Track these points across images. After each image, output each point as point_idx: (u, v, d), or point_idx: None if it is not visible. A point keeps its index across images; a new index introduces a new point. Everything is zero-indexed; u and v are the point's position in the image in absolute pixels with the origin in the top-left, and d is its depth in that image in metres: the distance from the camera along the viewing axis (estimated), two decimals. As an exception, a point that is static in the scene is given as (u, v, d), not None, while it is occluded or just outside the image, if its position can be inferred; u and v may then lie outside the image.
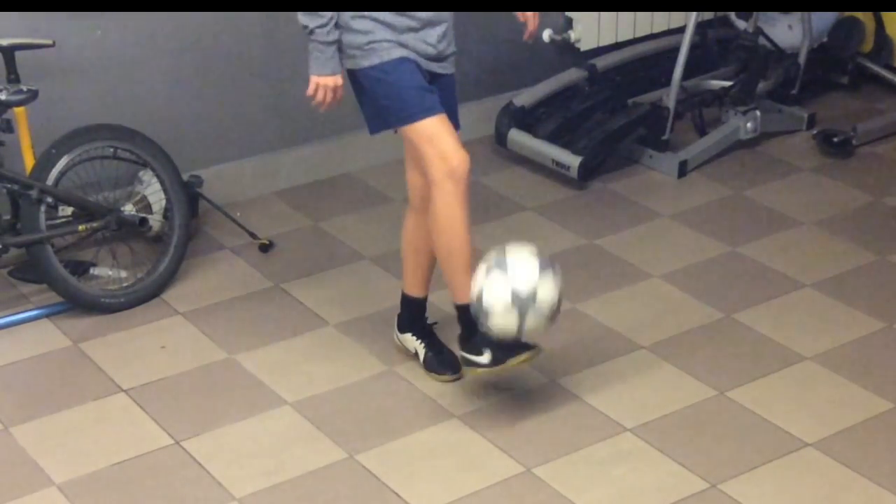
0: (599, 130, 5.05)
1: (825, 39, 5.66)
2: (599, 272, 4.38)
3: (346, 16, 3.44)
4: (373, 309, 4.19)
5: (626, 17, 5.48)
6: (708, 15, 5.56)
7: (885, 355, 3.95)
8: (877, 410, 3.68)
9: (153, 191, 4.35)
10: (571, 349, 3.95)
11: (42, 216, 4.08)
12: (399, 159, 4.88)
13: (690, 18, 5.16)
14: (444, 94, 3.56)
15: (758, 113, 5.22)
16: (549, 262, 3.52)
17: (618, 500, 3.37)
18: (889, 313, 4.15)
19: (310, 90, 3.52)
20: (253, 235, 4.59)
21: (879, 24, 5.67)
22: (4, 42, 4.08)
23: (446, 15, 3.53)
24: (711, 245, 4.58)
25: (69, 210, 4.22)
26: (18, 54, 4.10)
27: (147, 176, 4.37)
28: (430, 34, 3.50)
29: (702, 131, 5.27)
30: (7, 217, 4.12)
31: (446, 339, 3.89)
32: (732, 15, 5.54)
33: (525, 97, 5.22)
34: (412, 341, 3.87)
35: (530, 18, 3.72)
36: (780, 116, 5.41)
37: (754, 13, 5.33)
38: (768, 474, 3.44)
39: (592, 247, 4.56)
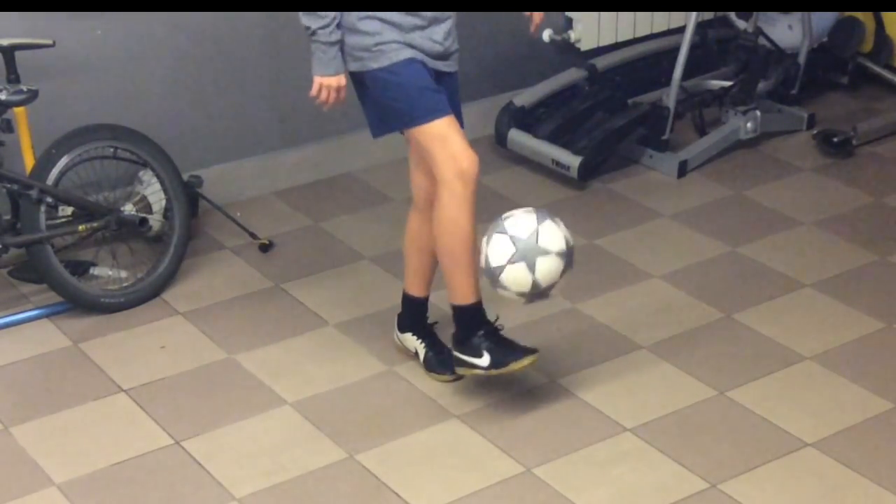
0: (599, 130, 5.05)
1: (825, 39, 5.66)
2: (599, 272, 4.38)
3: (353, 17, 3.43)
4: (373, 309, 4.19)
5: (626, 17, 5.48)
6: (708, 15, 5.56)
7: (885, 355, 3.95)
8: (877, 410, 3.68)
9: (153, 191, 4.35)
10: (571, 349, 3.95)
11: (42, 216, 4.08)
12: (399, 159, 4.88)
13: (690, 18, 5.16)
14: (449, 93, 3.57)
15: (758, 113, 5.22)
16: (546, 212, 3.54)
17: (618, 500, 3.37)
18: (889, 313, 4.15)
19: (313, 91, 3.52)
20: (253, 235, 4.59)
21: (879, 24, 5.67)
22: (4, 42, 4.08)
23: (449, 13, 3.53)
24: (711, 245, 4.58)
25: (69, 210, 4.22)
26: (18, 54, 4.10)
27: (147, 176, 4.37)
28: (437, 31, 3.50)
29: (702, 131, 5.27)
30: (7, 217, 4.12)
31: (447, 339, 3.89)
32: (732, 15, 5.54)
33: (525, 97, 5.23)
34: (412, 341, 3.87)
35: (535, 13, 3.74)
36: (780, 116, 5.41)
37: (754, 13, 5.34)
38: (768, 474, 3.44)
39: (592, 247, 4.56)
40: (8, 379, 3.91)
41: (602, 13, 5.41)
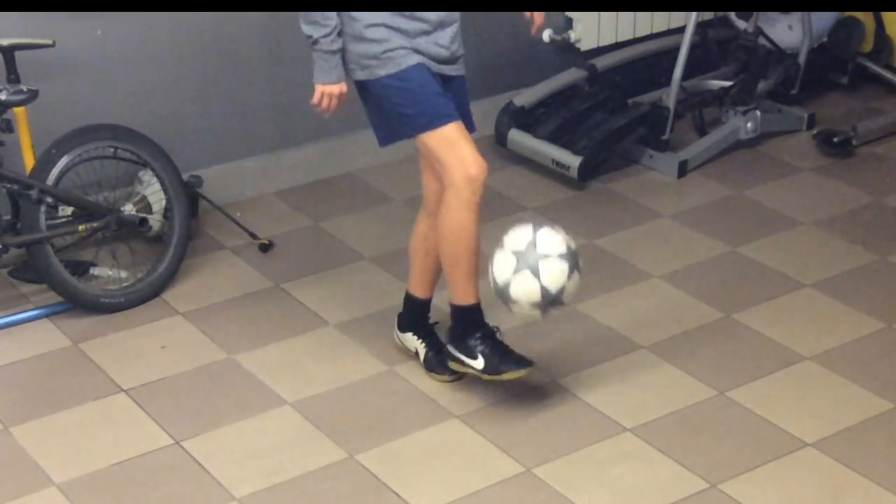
0: (599, 130, 5.05)
1: (825, 39, 5.66)
2: (599, 272, 4.38)
3: (359, 26, 3.43)
4: (373, 309, 4.19)
5: (626, 17, 5.48)
6: (708, 15, 5.56)
7: (885, 355, 3.95)
8: (877, 410, 3.68)
9: (153, 191, 4.35)
10: (571, 349, 3.95)
11: (42, 216, 4.08)
12: (399, 159, 4.89)
13: (690, 18, 5.16)
14: (458, 97, 3.58)
15: (758, 113, 5.22)
16: (543, 221, 3.56)
17: (618, 500, 3.37)
18: (889, 313, 4.15)
19: (315, 98, 3.53)
20: (253, 235, 4.59)
21: (879, 24, 5.67)
22: (4, 42, 4.08)
23: (456, 15, 3.53)
24: (711, 245, 4.58)
25: (69, 210, 4.21)
26: (18, 54, 4.10)
27: (147, 176, 4.37)
28: (442, 36, 3.50)
29: (702, 131, 5.27)
30: (7, 217, 4.12)
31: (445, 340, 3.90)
32: (732, 15, 5.54)
33: (525, 97, 5.23)
34: (413, 340, 3.88)
35: (537, 15, 3.74)
36: (780, 116, 5.41)
37: (754, 13, 5.34)
38: (768, 474, 3.44)
39: (592, 247, 4.56)
40: (8, 379, 3.91)
41: (602, 13, 5.41)
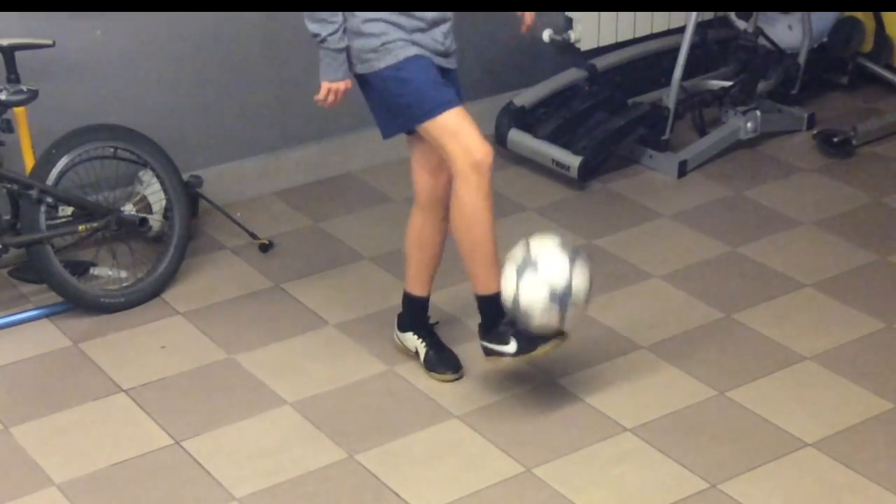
0: (599, 130, 5.05)
1: (825, 39, 5.66)
2: (599, 272, 4.36)
3: (357, 21, 3.45)
4: (373, 309, 4.19)
5: (626, 17, 5.48)
6: (708, 15, 5.56)
7: (885, 355, 3.95)
8: (877, 410, 3.68)
9: (153, 191, 4.35)
10: (571, 349, 3.94)
11: (42, 216, 4.08)
12: (399, 159, 4.88)
13: (690, 18, 5.16)
14: (454, 88, 3.60)
15: (758, 113, 5.22)
16: (576, 249, 3.55)
17: (618, 500, 3.37)
18: (889, 313, 4.15)
19: (321, 95, 3.55)
20: (253, 235, 4.59)
21: (879, 24, 5.67)
22: (4, 42, 4.08)
23: (449, 14, 3.56)
24: (711, 245, 4.58)
25: (69, 210, 4.21)
26: (18, 54, 4.10)
27: (147, 176, 4.37)
28: (437, 33, 3.53)
29: (702, 131, 5.27)
30: (7, 217, 4.12)
31: (447, 338, 3.89)
32: (732, 15, 5.54)
33: (525, 97, 5.23)
34: (413, 340, 3.87)
35: (527, 14, 3.75)
36: (780, 116, 5.41)
37: (754, 13, 5.34)
38: (768, 474, 3.44)
39: (592, 247, 4.56)
40: (8, 379, 3.91)
41: (602, 13, 5.41)
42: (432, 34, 3.51)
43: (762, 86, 5.35)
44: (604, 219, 4.77)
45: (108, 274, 4.30)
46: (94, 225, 4.21)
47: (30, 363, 3.98)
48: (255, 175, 4.91)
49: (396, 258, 4.24)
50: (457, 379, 3.81)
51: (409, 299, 3.87)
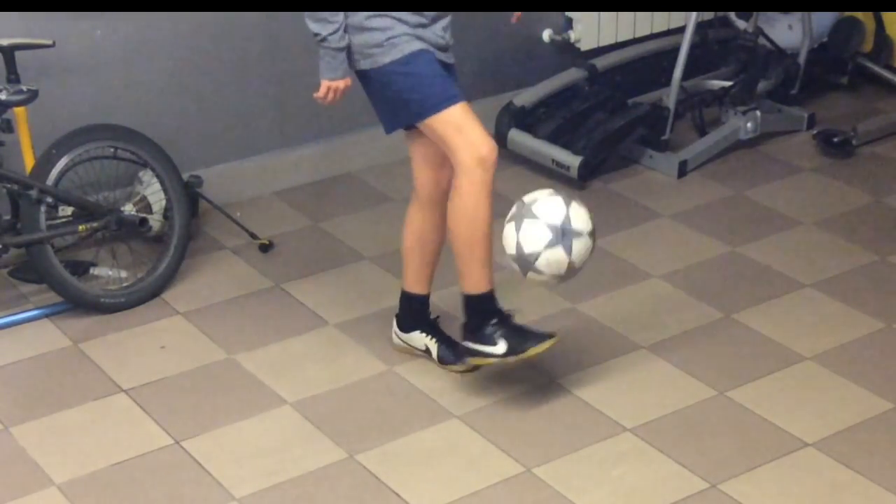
0: (599, 130, 5.05)
1: (825, 39, 5.66)
2: (599, 272, 4.38)
3: (360, 17, 3.46)
4: (373, 309, 4.19)
5: (626, 17, 5.48)
6: (708, 15, 5.56)
7: (885, 355, 3.95)
8: (877, 410, 3.68)
9: (153, 191, 4.35)
10: (571, 349, 3.95)
11: (42, 216, 4.08)
12: (399, 159, 4.88)
13: (690, 18, 5.16)
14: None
15: (758, 113, 5.22)
16: (569, 193, 3.56)
17: (618, 500, 3.37)
18: (889, 313, 4.15)
19: (321, 93, 3.55)
20: (253, 235, 4.59)
21: (879, 24, 5.67)
22: (4, 42, 4.08)
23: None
24: (711, 245, 4.58)
25: (69, 210, 4.21)
26: (18, 54, 4.10)
27: (147, 176, 4.37)
28: (438, 27, 3.55)
29: (702, 131, 5.27)
30: (7, 217, 4.12)
31: (451, 332, 3.89)
32: (732, 15, 5.54)
33: (525, 97, 5.23)
34: (421, 339, 3.86)
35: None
36: (780, 116, 5.41)
37: (754, 13, 5.34)
38: (768, 474, 3.44)
39: (592, 247, 4.55)
40: (8, 379, 3.91)
41: (602, 13, 5.41)
42: (433, 29, 3.53)
43: (762, 86, 5.35)
44: (604, 219, 4.75)
45: (108, 274, 4.30)
46: (94, 225, 4.21)
47: (30, 363, 3.98)
48: (255, 175, 4.91)
49: (396, 258, 4.23)
50: (473, 369, 3.80)
51: (410, 299, 3.86)
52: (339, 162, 5.07)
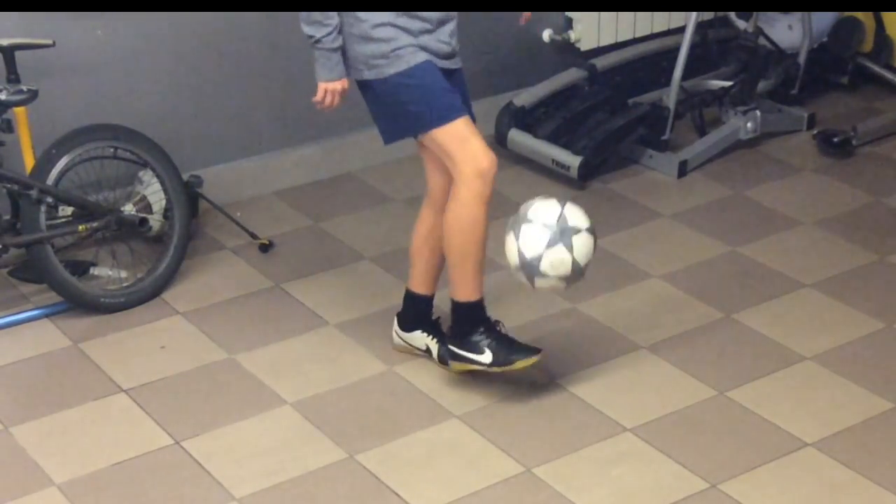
0: (599, 130, 5.05)
1: (825, 39, 5.66)
2: (599, 272, 4.37)
3: (366, 26, 3.45)
4: (373, 309, 4.19)
5: (626, 17, 5.48)
6: (708, 15, 5.56)
7: (885, 355, 3.95)
8: (877, 410, 3.68)
9: (153, 191, 4.35)
10: (571, 349, 3.95)
11: (42, 216, 4.08)
12: (399, 159, 4.90)
13: (690, 18, 5.16)
14: (460, 88, 3.62)
15: (758, 113, 5.22)
16: (562, 195, 3.58)
17: (618, 500, 3.37)
18: (889, 313, 4.15)
19: (318, 96, 3.55)
20: (253, 235, 4.59)
21: (879, 24, 5.67)
22: (4, 42, 4.08)
23: (453, 14, 3.58)
24: (711, 245, 4.58)
25: (69, 210, 4.22)
26: (18, 54, 4.10)
27: (147, 176, 4.37)
28: (444, 32, 3.54)
29: (702, 131, 5.28)
30: (7, 217, 4.12)
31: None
32: (732, 15, 5.54)
33: (525, 97, 5.23)
34: (422, 338, 3.86)
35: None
36: (780, 116, 5.41)
37: (754, 13, 5.34)
38: (768, 474, 3.44)
39: (592, 247, 4.55)
40: (8, 379, 3.91)
41: (602, 13, 5.41)
42: (438, 35, 3.52)
43: (762, 86, 5.35)
44: (604, 219, 4.76)
45: (108, 274, 4.30)
46: (94, 225, 4.21)
47: (30, 363, 3.98)
48: (255, 175, 4.91)
49: (396, 258, 4.24)
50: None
51: (414, 298, 3.86)
52: (339, 162, 5.07)
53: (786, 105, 5.44)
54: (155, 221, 4.36)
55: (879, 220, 4.74)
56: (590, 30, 5.41)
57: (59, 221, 4.19)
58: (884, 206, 4.85)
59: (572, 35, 5.40)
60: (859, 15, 5.64)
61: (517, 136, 5.11)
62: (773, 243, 4.59)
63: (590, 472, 3.46)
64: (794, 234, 4.65)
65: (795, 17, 5.50)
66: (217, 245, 4.59)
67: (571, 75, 5.36)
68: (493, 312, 3.72)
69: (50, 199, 4.08)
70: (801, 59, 5.46)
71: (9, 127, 4.04)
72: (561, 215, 3.48)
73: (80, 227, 4.19)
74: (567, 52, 5.45)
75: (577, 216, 3.51)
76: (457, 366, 3.72)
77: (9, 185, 4.05)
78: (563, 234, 3.46)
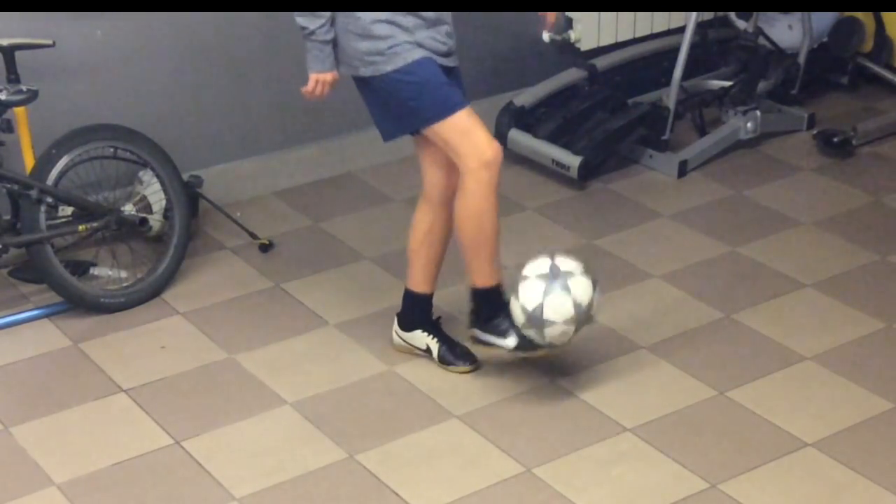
0: (599, 130, 5.05)
1: (825, 39, 5.66)
2: (599, 272, 4.37)
3: (364, 23, 3.46)
4: (373, 309, 4.18)
5: (626, 17, 5.47)
6: (708, 15, 5.56)
7: (885, 355, 3.95)
8: (877, 410, 3.68)
9: (153, 191, 4.35)
10: (571, 349, 3.94)
11: (42, 216, 4.08)
12: (399, 159, 4.90)
13: (690, 18, 5.16)
14: (458, 85, 3.64)
15: (758, 113, 5.22)
16: (595, 275, 3.64)
17: (618, 500, 3.37)
18: (889, 313, 4.15)
19: (309, 87, 3.58)
20: (253, 235, 4.59)
21: (879, 24, 5.67)
22: (4, 42, 4.08)
23: (446, 15, 3.59)
24: (711, 245, 4.58)
25: (69, 210, 4.22)
26: (18, 54, 4.10)
27: (147, 176, 4.37)
28: (440, 31, 3.55)
29: (702, 131, 5.27)
30: (7, 217, 4.12)
31: (453, 333, 3.89)
32: (732, 15, 5.54)
33: (525, 97, 5.23)
34: (423, 338, 3.87)
35: (550, 14, 3.90)
36: (780, 116, 5.41)
37: (754, 13, 5.34)
38: (768, 474, 3.44)
39: (592, 247, 4.56)
40: (8, 379, 3.91)
41: (602, 13, 5.41)
42: (434, 33, 3.53)
43: (762, 86, 5.35)
44: (604, 219, 4.77)
45: (108, 274, 4.30)
46: (94, 225, 4.21)
47: (30, 363, 3.98)
48: (255, 175, 4.91)
49: (396, 258, 4.24)
50: (474, 370, 3.81)
51: (414, 298, 3.86)
52: (339, 162, 5.07)
53: (786, 105, 5.44)
54: (155, 221, 4.36)
55: (879, 220, 4.74)
56: (590, 30, 5.41)
57: (59, 221, 4.19)
58: (884, 206, 4.85)
59: (572, 35, 5.40)
60: (859, 15, 5.64)
61: (517, 136, 5.11)
62: (773, 243, 4.59)
63: (590, 472, 3.46)
64: (794, 234, 4.65)
65: (795, 17, 5.50)
66: (217, 245, 4.59)
67: (571, 75, 5.36)
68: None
69: (50, 199, 4.08)
70: (801, 59, 5.45)
71: (9, 127, 4.04)
72: (552, 265, 3.56)
73: (80, 227, 4.19)
74: (567, 52, 5.45)
75: (567, 263, 3.59)
76: (481, 348, 3.74)
77: (9, 185, 4.05)
78: (557, 278, 3.54)
